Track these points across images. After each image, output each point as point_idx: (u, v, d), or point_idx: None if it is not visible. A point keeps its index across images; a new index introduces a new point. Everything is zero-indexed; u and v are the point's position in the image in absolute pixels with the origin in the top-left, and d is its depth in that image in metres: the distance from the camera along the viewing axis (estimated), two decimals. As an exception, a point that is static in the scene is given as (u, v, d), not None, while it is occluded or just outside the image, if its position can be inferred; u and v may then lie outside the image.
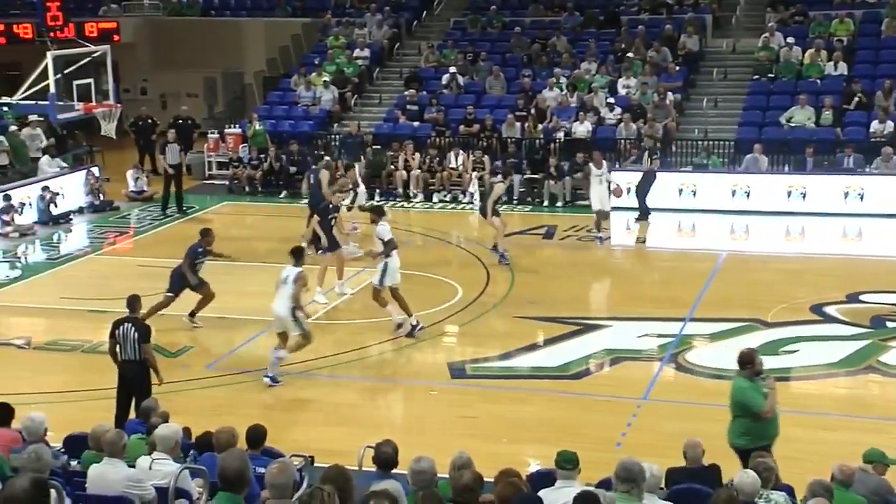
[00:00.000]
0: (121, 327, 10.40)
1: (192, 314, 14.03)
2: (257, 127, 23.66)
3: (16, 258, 18.38)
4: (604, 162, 18.79)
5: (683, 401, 11.58)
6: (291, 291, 11.88)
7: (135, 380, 10.35)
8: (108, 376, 12.17)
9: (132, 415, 9.76)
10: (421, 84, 24.95)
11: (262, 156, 23.22)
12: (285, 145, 23.32)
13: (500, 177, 17.79)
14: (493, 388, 12.09)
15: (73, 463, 7.86)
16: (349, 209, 17.41)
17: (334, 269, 15.31)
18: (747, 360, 8.80)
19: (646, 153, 20.10)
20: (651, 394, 11.81)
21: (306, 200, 18.60)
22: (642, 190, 19.73)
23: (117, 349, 10.43)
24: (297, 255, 12.40)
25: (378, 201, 21.89)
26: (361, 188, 18.80)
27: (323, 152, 22.24)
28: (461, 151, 22.25)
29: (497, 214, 16.98)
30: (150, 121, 25.37)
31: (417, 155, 22.26)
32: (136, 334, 10.31)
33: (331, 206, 15.52)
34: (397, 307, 13.51)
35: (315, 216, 15.93)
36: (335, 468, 5.68)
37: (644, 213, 19.76)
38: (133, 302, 10.68)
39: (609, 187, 18.53)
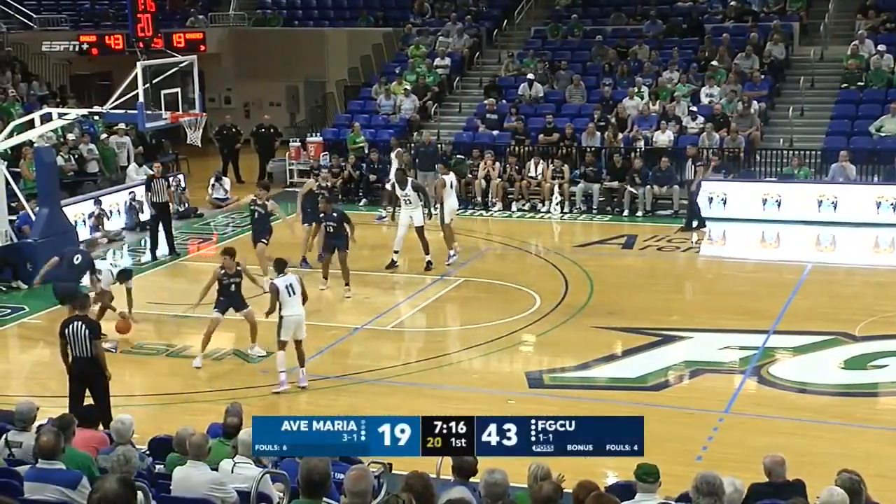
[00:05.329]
0: (70, 326, 10.44)
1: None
2: (358, 138, 23.76)
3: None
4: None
5: (767, 415, 11.35)
6: None
7: (88, 376, 10.42)
8: (192, 381, 12.50)
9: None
10: (501, 93, 24.93)
11: (343, 164, 23.45)
12: (366, 154, 23.49)
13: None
14: (570, 399, 12.01)
15: (158, 466, 8.02)
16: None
17: None
18: None
19: (688, 162, 19.90)
20: (733, 407, 11.60)
21: None
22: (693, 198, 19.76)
23: (68, 349, 10.46)
24: None
25: (458, 210, 21.96)
26: (453, 200, 17.97)
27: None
28: (541, 160, 22.18)
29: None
30: (233, 129, 25.82)
31: (497, 164, 22.25)
32: (87, 331, 10.37)
33: None
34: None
35: None
36: (415, 476, 5.68)
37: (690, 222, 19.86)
38: (83, 300, 11.00)
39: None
